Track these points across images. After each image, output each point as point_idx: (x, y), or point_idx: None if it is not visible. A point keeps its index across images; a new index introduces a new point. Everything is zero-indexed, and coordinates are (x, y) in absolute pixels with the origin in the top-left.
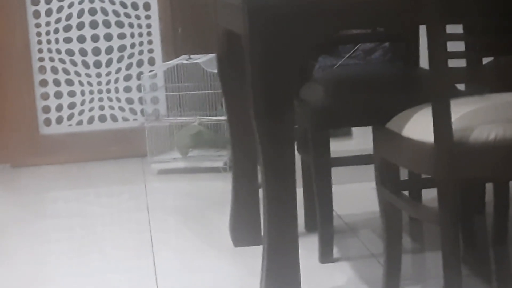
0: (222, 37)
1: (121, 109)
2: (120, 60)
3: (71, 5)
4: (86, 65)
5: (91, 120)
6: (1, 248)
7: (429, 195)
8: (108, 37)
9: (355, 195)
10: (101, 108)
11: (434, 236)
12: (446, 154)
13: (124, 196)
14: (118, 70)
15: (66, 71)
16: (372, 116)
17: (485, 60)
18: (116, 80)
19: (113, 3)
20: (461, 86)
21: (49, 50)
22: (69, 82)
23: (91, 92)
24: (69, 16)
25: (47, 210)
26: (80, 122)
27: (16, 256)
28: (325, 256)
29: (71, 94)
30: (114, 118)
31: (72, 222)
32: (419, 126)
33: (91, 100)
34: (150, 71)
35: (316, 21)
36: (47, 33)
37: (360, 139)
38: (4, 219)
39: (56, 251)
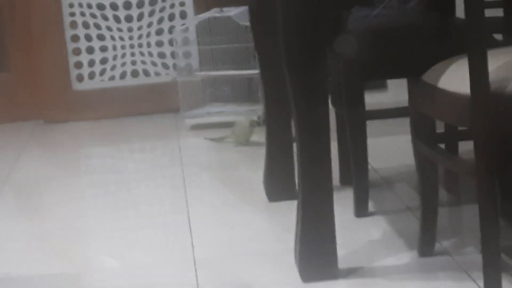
0: None
1: (153, 63)
2: (151, 14)
3: None
4: (117, 19)
5: (123, 75)
6: (36, 203)
7: (466, 147)
8: None
9: (390, 148)
10: (133, 63)
11: (471, 189)
12: (483, 105)
13: (157, 152)
14: (149, 24)
15: (97, 26)
16: (407, 68)
17: None
18: (148, 35)
19: None
20: (498, 36)
21: (80, 5)
22: (101, 37)
23: (123, 47)
24: None
25: (81, 166)
26: (112, 78)
27: (50, 212)
28: (361, 210)
29: (103, 49)
30: (146, 73)
31: (106, 178)
32: (455, 77)
33: (123, 55)
34: (182, 24)
35: None
36: None
37: (395, 92)
38: (38, 175)
39: (91, 207)
